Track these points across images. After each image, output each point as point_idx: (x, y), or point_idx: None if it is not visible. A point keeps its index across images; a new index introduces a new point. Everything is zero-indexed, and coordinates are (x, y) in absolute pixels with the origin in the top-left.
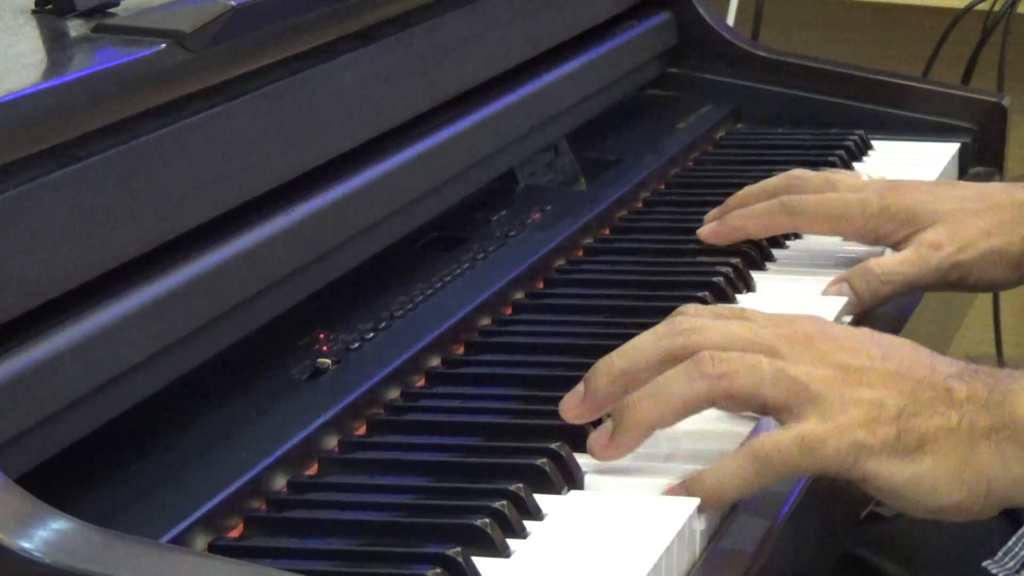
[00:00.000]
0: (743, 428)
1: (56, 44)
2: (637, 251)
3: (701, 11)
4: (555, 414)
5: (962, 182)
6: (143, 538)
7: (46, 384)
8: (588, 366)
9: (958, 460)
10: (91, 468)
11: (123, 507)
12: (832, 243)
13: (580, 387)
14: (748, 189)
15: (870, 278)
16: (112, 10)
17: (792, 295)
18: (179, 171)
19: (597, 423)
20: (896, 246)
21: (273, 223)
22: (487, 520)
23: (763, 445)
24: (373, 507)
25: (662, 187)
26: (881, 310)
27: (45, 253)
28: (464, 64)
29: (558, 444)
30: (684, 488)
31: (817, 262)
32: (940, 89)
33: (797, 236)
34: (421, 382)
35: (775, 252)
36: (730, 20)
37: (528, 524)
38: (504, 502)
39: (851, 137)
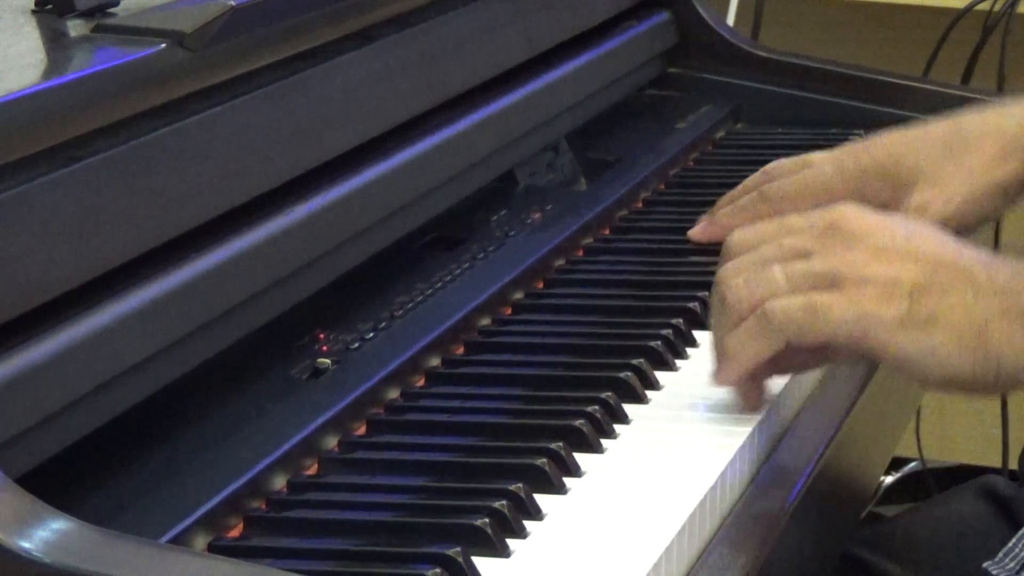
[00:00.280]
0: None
1: (56, 44)
2: (637, 251)
3: (701, 11)
4: (555, 414)
5: (935, 122)
6: (143, 538)
7: (46, 384)
8: (588, 366)
9: (970, 335)
10: (91, 468)
11: (123, 507)
12: None
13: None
14: (731, 192)
15: None
16: (112, 10)
17: None
18: (179, 171)
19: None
20: (886, 207)
21: (273, 223)
22: (487, 520)
23: (772, 307)
24: (373, 507)
25: (662, 187)
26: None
27: (45, 253)
28: (464, 64)
29: (558, 444)
30: (715, 362)
31: None
32: (940, 89)
33: None
34: (421, 382)
35: None
36: (730, 20)
37: (528, 524)
38: (504, 502)
39: (851, 137)
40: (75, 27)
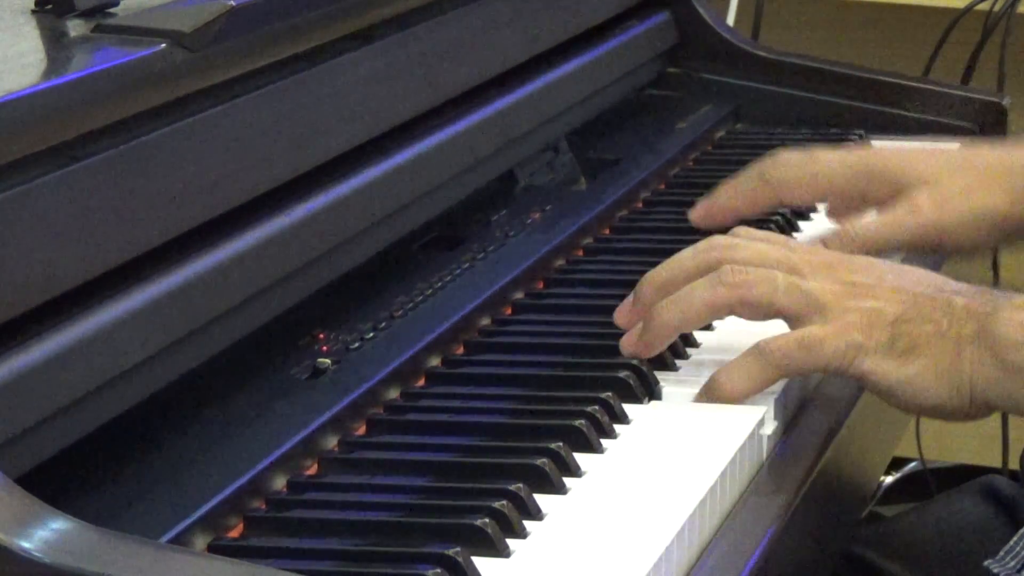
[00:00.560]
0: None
1: (56, 44)
2: (637, 251)
3: (701, 11)
4: (555, 414)
5: (946, 145)
6: (143, 538)
7: (46, 384)
8: (588, 366)
9: (945, 363)
10: (91, 468)
11: (123, 507)
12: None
13: (630, 298)
14: (734, 176)
15: (845, 240)
16: (112, 10)
17: None
18: (179, 171)
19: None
20: (878, 205)
21: (273, 223)
22: (487, 520)
23: (767, 344)
24: (373, 507)
25: (662, 187)
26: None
27: (45, 253)
28: (464, 64)
29: (558, 444)
30: (705, 393)
31: None
32: (940, 89)
33: (794, 228)
34: (421, 382)
35: None
36: (730, 20)
37: (528, 524)
38: (504, 502)
39: (851, 137)
40: (75, 27)
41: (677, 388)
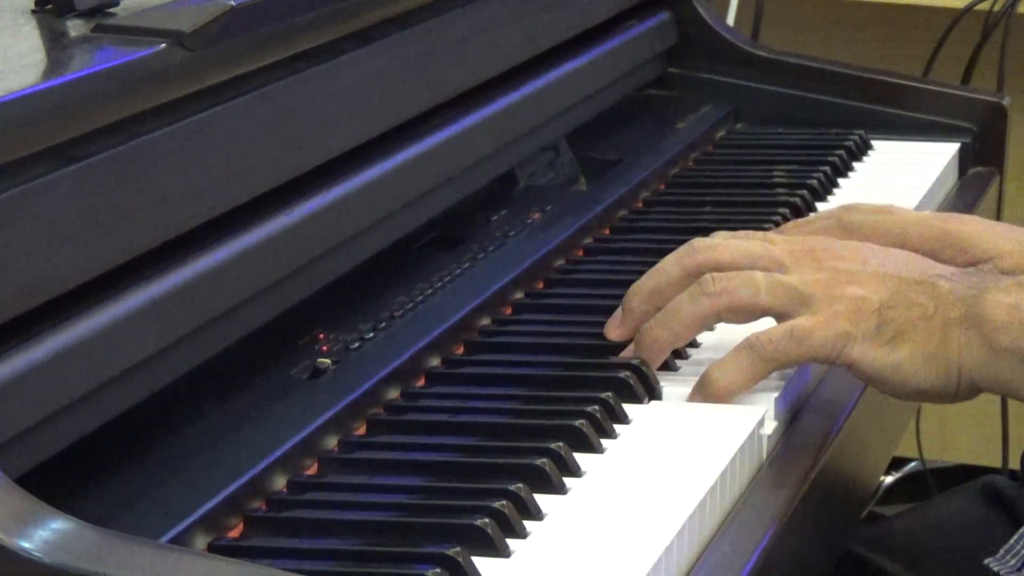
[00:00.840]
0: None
1: (56, 44)
2: (637, 251)
3: (701, 11)
4: (555, 414)
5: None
6: (143, 538)
7: (46, 384)
8: (588, 366)
9: (933, 347)
10: (91, 468)
11: (123, 507)
12: None
13: (619, 310)
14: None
15: None
16: (112, 10)
17: None
18: (179, 171)
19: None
20: None
21: (273, 223)
22: (487, 520)
23: (757, 338)
24: (373, 507)
25: (662, 187)
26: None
27: (45, 253)
28: (464, 64)
29: (558, 444)
30: (698, 391)
31: None
32: (940, 89)
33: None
34: (421, 382)
35: None
36: (730, 20)
37: (528, 524)
38: (504, 502)
39: (851, 137)
40: (75, 27)
41: (677, 388)
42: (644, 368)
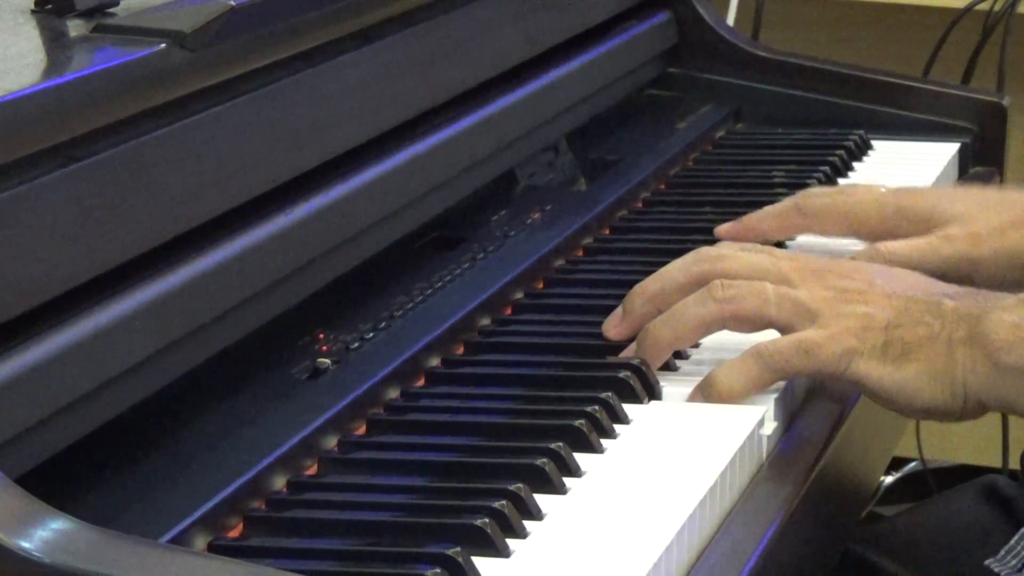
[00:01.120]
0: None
1: (56, 44)
2: (637, 251)
3: (701, 11)
4: (555, 414)
5: (980, 188)
6: (143, 538)
7: (46, 384)
8: (588, 366)
9: (939, 365)
10: (91, 468)
11: (123, 507)
12: (834, 241)
13: (619, 309)
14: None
15: (875, 257)
16: (112, 10)
17: None
18: (179, 171)
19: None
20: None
21: (273, 223)
22: (487, 520)
23: (766, 347)
24: (373, 507)
25: (662, 187)
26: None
27: (45, 253)
28: (464, 64)
29: (558, 444)
30: (700, 392)
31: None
32: (940, 89)
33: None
34: (421, 382)
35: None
36: (730, 20)
37: (528, 524)
38: (504, 502)
39: (851, 137)
40: (75, 27)
41: (677, 388)
42: (644, 368)
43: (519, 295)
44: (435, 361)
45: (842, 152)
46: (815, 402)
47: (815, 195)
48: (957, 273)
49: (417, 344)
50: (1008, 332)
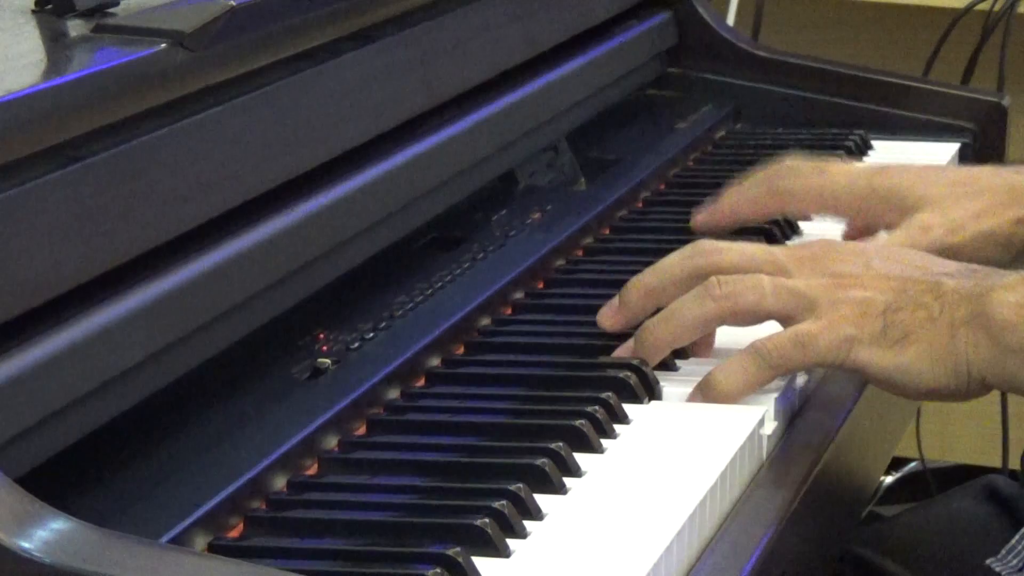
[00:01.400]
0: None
1: (56, 44)
2: (637, 251)
3: (701, 11)
4: (555, 414)
5: (951, 166)
6: (143, 538)
7: (46, 384)
8: (588, 366)
9: (941, 347)
10: (91, 468)
11: (123, 507)
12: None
13: (615, 300)
14: (742, 181)
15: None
16: (112, 10)
17: None
18: (179, 171)
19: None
20: (888, 229)
21: (273, 223)
22: (487, 520)
23: (763, 344)
24: (373, 507)
25: (662, 187)
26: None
27: (45, 253)
28: (464, 64)
29: (558, 444)
30: (699, 392)
31: None
32: (940, 89)
33: (794, 232)
34: (421, 382)
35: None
36: (730, 20)
37: (528, 524)
38: (504, 502)
39: (851, 137)
40: (75, 27)
41: (677, 388)
42: (644, 368)
43: (519, 295)
44: (435, 361)
45: (842, 152)
46: (815, 402)
47: (787, 175)
48: None
49: (417, 344)
50: (1012, 312)
